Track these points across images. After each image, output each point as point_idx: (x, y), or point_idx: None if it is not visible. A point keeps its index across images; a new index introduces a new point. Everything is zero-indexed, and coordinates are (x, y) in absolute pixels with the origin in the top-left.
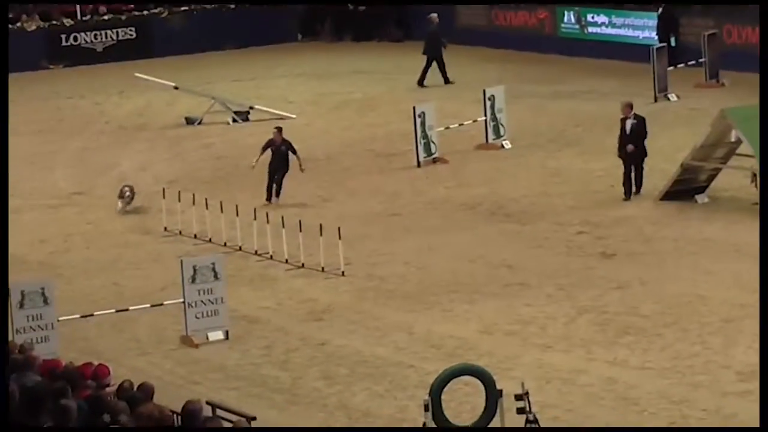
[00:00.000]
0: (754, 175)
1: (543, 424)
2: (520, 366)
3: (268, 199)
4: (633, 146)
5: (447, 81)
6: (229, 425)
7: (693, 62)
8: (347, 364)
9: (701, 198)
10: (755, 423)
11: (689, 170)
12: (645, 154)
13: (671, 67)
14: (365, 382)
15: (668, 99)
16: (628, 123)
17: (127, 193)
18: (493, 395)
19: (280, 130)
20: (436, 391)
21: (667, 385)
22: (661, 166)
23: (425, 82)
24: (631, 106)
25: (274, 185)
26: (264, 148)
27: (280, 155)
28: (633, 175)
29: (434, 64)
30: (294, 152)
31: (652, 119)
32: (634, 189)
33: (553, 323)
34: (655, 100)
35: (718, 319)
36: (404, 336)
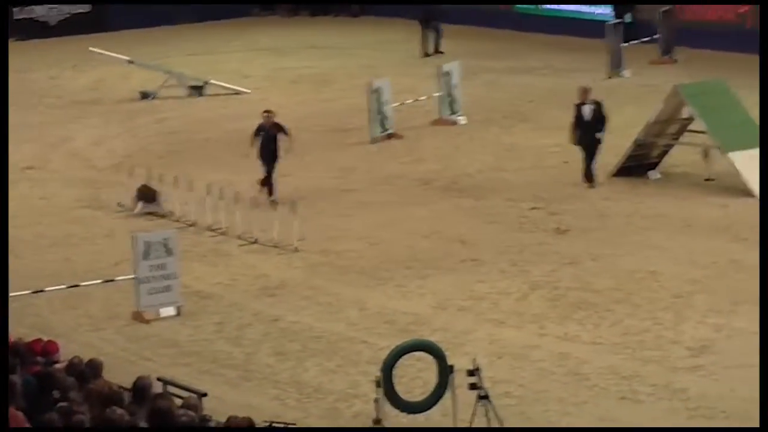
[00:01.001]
0: (706, 151)
1: (495, 400)
2: (472, 341)
3: (268, 190)
4: (598, 133)
5: (427, 54)
6: (180, 401)
7: (647, 39)
8: (300, 339)
9: (653, 174)
10: (705, 398)
11: (642, 146)
12: (600, 142)
13: (626, 44)
14: (317, 357)
15: (622, 75)
16: (587, 108)
17: (163, 200)
18: (445, 371)
19: (269, 113)
20: (388, 366)
21: (617, 360)
22: (615, 142)
23: (441, 49)
24: (587, 91)
25: (269, 183)
26: (255, 134)
27: (269, 140)
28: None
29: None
30: (286, 133)
31: (606, 95)
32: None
33: (505, 299)
34: (609, 77)
35: (669, 294)
36: (357, 312)
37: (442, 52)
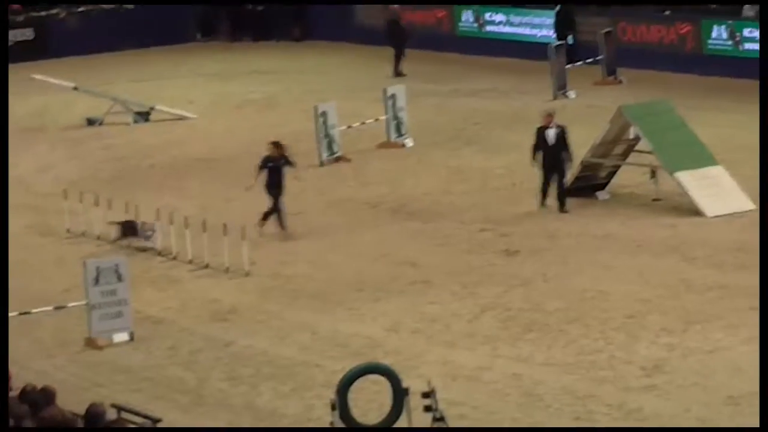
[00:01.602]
0: (653, 171)
1: (450, 422)
2: (425, 364)
3: (279, 222)
4: (566, 157)
5: (398, 74)
6: (134, 427)
7: (590, 60)
8: (253, 364)
9: (602, 195)
10: (659, 418)
11: (589, 167)
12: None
13: (569, 65)
14: (271, 382)
15: (567, 96)
16: (551, 132)
17: (149, 233)
18: (400, 393)
19: (276, 144)
20: (343, 390)
21: (571, 380)
22: None
23: (401, 70)
24: (552, 115)
25: (278, 212)
26: (261, 167)
27: (277, 172)
28: (551, 186)
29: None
30: (291, 164)
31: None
32: (557, 205)
33: (457, 321)
34: (554, 98)
35: (620, 314)
36: (309, 335)
37: (404, 75)
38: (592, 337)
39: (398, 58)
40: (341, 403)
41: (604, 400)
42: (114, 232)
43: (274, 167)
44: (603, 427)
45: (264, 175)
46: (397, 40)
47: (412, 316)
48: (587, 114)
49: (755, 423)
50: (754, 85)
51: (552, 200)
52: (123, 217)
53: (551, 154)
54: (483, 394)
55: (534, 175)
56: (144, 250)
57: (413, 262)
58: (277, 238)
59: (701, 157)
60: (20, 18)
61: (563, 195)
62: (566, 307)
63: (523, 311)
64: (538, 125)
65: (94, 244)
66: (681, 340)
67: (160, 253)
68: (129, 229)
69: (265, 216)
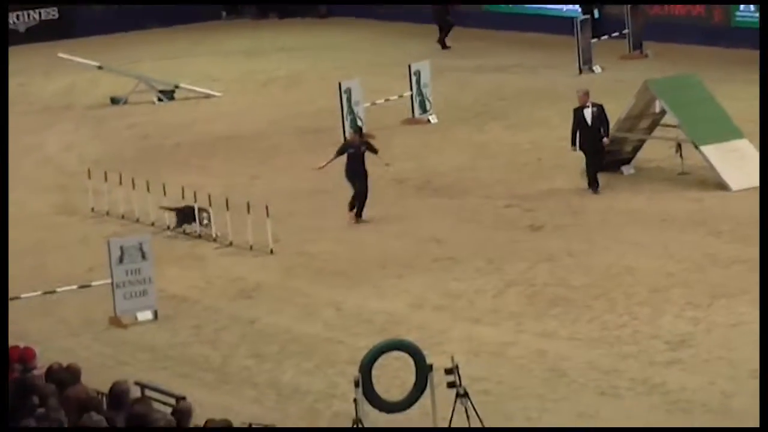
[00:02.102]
0: (679, 145)
1: (473, 398)
2: (449, 340)
3: (357, 214)
4: (605, 138)
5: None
6: (159, 405)
7: (617, 34)
8: (277, 341)
9: (627, 169)
10: (683, 392)
11: (614, 142)
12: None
13: (595, 39)
14: (295, 359)
15: (593, 71)
16: (588, 112)
17: (205, 221)
18: (423, 370)
19: (359, 131)
20: (366, 366)
21: (596, 355)
22: None
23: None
24: (588, 94)
25: (357, 203)
26: (340, 152)
27: (358, 158)
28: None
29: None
30: (375, 151)
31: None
32: (587, 184)
33: (482, 297)
34: (580, 72)
35: (645, 289)
36: (334, 312)
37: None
38: (616, 312)
39: (444, 31)
40: (365, 380)
41: (629, 374)
42: (168, 218)
43: (355, 153)
44: (605, 427)
45: (345, 162)
46: (442, 13)
47: (436, 292)
48: (613, 88)
49: None
50: None
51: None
52: (179, 203)
53: (592, 134)
54: (507, 370)
55: (560, 150)
56: (199, 236)
57: (438, 238)
58: (300, 216)
59: (727, 131)
60: None
61: (595, 176)
62: (591, 282)
63: (548, 287)
64: (575, 106)
65: (119, 223)
66: (706, 314)
67: (215, 239)
68: (186, 215)
69: (353, 205)
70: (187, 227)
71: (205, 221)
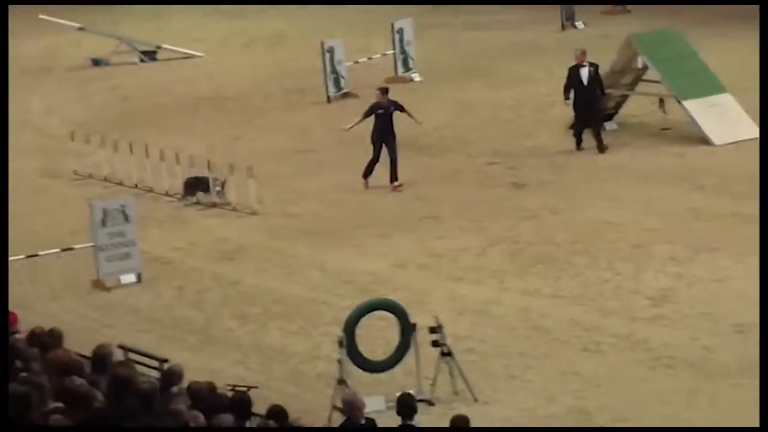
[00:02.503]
0: (662, 100)
1: (457, 356)
2: (433, 299)
3: (392, 178)
4: (599, 96)
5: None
6: (142, 368)
7: None
8: (261, 302)
9: (610, 125)
10: (666, 348)
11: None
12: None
13: None
14: (279, 320)
15: (575, 27)
16: (584, 71)
17: (218, 188)
18: (407, 329)
19: (385, 91)
20: (350, 327)
21: (579, 312)
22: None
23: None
24: (585, 53)
25: (391, 163)
26: (367, 113)
27: (387, 119)
28: (586, 128)
29: None
30: (403, 110)
31: (560, 47)
32: (595, 144)
33: (465, 255)
34: (563, 28)
35: (627, 245)
36: (317, 273)
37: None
38: (599, 268)
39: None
40: (349, 340)
41: (612, 330)
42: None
43: (384, 114)
44: (608, 428)
45: (371, 123)
46: None
47: (420, 251)
48: (595, 44)
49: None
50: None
51: (589, 140)
52: (192, 173)
53: (586, 93)
54: (491, 328)
55: (543, 106)
56: (213, 205)
57: (421, 197)
58: (283, 176)
59: (710, 85)
60: None
61: (599, 134)
62: (574, 239)
63: (531, 244)
64: (571, 64)
65: (101, 186)
66: (688, 269)
67: (234, 209)
68: (196, 185)
69: (369, 171)
70: (203, 196)
71: (218, 187)
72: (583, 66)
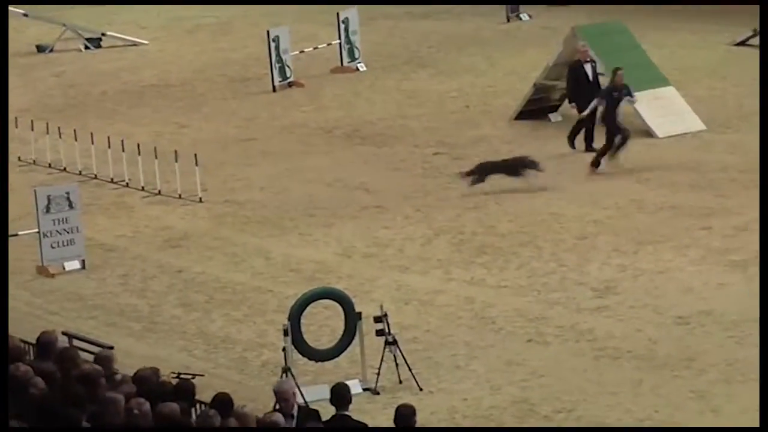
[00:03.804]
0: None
1: (402, 346)
2: (378, 288)
3: (598, 161)
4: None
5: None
6: (87, 355)
7: None
8: (205, 290)
9: (554, 116)
10: (611, 339)
11: (542, 89)
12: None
13: None
14: (224, 308)
15: (520, 18)
16: (589, 67)
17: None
18: (352, 318)
19: (619, 71)
20: (295, 315)
21: (523, 302)
22: (515, 85)
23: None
24: (587, 48)
25: (621, 145)
26: (603, 97)
27: (617, 102)
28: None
29: None
30: (631, 95)
31: (504, 39)
32: (594, 145)
33: (410, 245)
34: (508, 20)
35: (572, 236)
36: (262, 261)
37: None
38: (544, 260)
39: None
40: (294, 329)
41: (556, 321)
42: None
43: (618, 99)
44: (614, 428)
45: (602, 106)
46: None
47: (365, 240)
48: (541, 36)
49: (704, 343)
50: (713, 7)
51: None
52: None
53: (593, 91)
54: (435, 318)
55: (487, 96)
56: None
57: (366, 187)
58: (228, 164)
59: (653, 78)
60: None
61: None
62: (518, 230)
63: (476, 234)
64: (572, 60)
65: (45, 172)
66: (632, 260)
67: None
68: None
69: (600, 159)
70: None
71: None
72: (587, 62)
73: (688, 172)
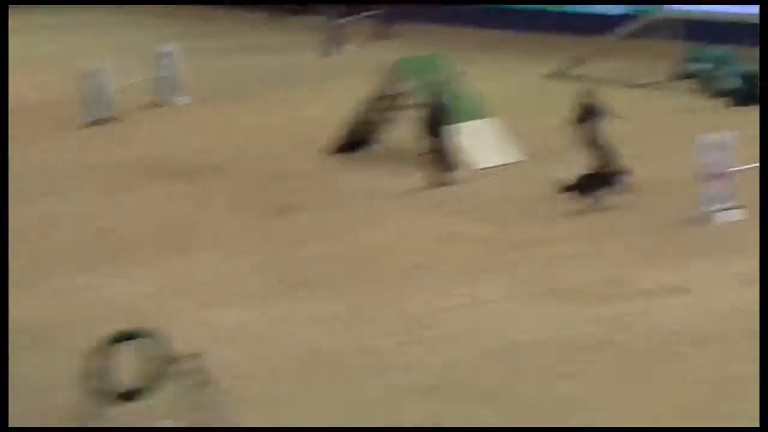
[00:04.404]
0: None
1: (215, 384)
2: (189, 325)
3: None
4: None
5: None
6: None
7: (368, 14)
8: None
9: (375, 149)
10: (428, 369)
11: (363, 122)
12: None
13: (344, 19)
14: (26, 350)
15: (341, 52)
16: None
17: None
18: (162, 358)
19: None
20: (103, 355)
21: (337, 338)
22: (337, 117)
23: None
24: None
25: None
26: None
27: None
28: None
29: None
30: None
31: (324, 71)
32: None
33: (223, 281)
34: (327, 53)
35: (389, 269)
36: (69, 300)
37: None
38: (359, 293)
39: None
40: (101, 369)
41: (370, 356)
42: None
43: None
44: (616, 428)
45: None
46: None
47: (179, 278)
48: (362, 68)
49: (511, 378)
50: (533, 38)
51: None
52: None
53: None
54: (249, 355)
55: (309, 127)
56: None
57: (177, 223)
58: (39, 202)
59: (472, 111)
60: None
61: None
62: (341, 263)
63: (294, 269)
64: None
65: None
66: (448, 294)
67: None
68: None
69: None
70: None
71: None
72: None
73: (507, 202)
